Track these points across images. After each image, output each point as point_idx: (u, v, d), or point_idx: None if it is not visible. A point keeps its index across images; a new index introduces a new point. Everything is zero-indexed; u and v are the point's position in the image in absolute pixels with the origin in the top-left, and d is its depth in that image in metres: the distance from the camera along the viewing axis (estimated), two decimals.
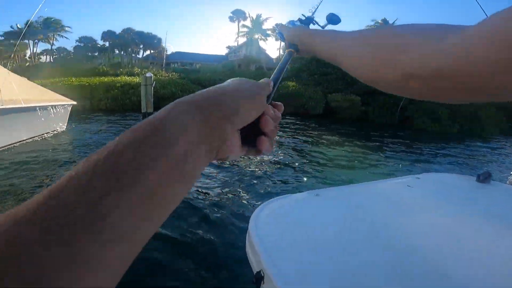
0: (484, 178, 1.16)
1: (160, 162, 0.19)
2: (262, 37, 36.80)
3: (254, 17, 36.69)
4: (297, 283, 0.60)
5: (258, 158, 6.60)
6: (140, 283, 2.18)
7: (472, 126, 19.46)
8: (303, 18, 0.61)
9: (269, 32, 35.92)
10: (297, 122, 15.28)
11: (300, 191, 1.13)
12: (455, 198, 1.08)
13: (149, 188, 0.18)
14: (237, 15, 37.40)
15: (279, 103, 0.37)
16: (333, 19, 0.58)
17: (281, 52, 34.06)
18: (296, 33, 0.52)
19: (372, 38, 0.36)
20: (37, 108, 7.16)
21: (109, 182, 0.17)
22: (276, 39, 35.27)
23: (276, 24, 0.63)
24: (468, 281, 0.58)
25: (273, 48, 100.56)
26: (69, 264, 0.14)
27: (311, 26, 0.59)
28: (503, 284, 0.58)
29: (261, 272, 0.65)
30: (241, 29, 37.74)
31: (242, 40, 38.34)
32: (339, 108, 20.12)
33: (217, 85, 0.28)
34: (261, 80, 0.36)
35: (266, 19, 36.95)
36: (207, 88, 0.27)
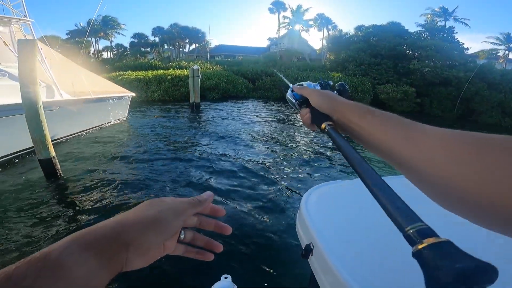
0: None
1: None
2: (304, 28, 35.61)
3: (295, 8, 35.55)
4: (343, 253, 0.64)
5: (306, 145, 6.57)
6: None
7: None
8: (323, 82, 0.59)
9: (310, 22, 34.54)
10: None
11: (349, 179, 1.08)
12: None
13: None
14: (277, 6, 36.61)
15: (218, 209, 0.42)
16: (343, 90, 0.57)
17: (324, 43, 32.67)
18: (330, 101, 0.47)
19: None
20: (104, 99, 7.92)
21: None
22: (319, 30, 33.85)
23: (293, 85, 0.60)
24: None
25: (315, 39, 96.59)
26: None
27: (317, 87, 0.59)
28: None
29: (311, 245, 0.70)
30: (282, 21, 36.94)
31: (283, 31, 37.61)
32: (390, 100, 18.71)
33: (118, 218, 0.30)
34: (184, 200, 0.36)
35: (307, 9, 35.52)
36: (104, 224, 0.29)
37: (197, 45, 42.17)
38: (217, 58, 36.94)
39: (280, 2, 36.45)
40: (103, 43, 40.29)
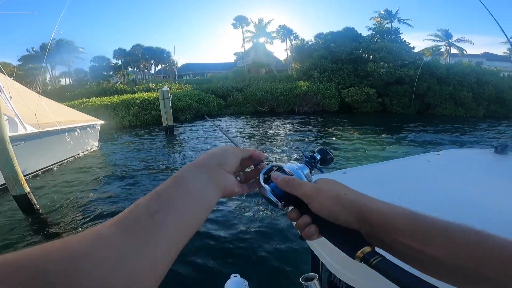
0: (502, 149, 1.20)
1: (185, 195, 0.32)
2: (268, 40, 36.97)
3: (257, 21, 36.89)
4: None
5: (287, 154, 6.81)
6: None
7: (498, 108, 18.73)
8: (308, 158, 0.46)
9: (273, 34, 35.98)
10: (313, 121, 15.21)
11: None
12: (475, 168, 1.13)
13: (180, 209, 0.30)
14: (240, 21, 37.74)
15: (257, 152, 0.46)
16: (325, 159, 0.47)
17: (289, 53, 34.09)
18: (355, 209, 0.35)
19: None
20: (71, 130, 7.53)
21: (158, 204, 0.29)
22: (282, 41, 35.33)
23: (265, 170, 0.44)
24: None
25: (280, 50, 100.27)
26: (135, 252, 0.24)
27: (306, 170, 0.44)
28: None
29: None
30: (245, 35, 38.06)
31: (248, 45, 38.72)
32: (355, 102, 19.88)
33: (212, 150, 0.40)
34: (241, 149, 0.44)
35: (269, 22, 37.01)
36: (205, 154, 0.40)
37: (163, 65, 41.78)
38: (185, 77, 36.83)
39: (243, 17, 37.62)
40: (59, 69, 38.08)
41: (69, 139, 7.43)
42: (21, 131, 5.86)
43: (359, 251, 0.31)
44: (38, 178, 5.97)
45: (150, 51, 38.90)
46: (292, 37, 33.97)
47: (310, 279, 0.75)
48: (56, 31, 8.71)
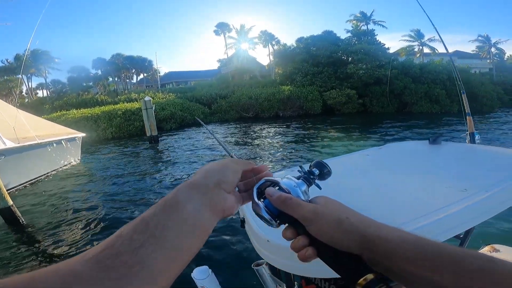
0: (433, 140, 1.39)
1: (177, 221, 0.28)
2: (250, 46, 37.44)
3: (239, 28, 37.32)
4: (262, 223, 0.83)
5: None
6: None
7: (471, 103, 19.76)
8: (306, 173, 0.43)
9: (256, 40, 36.50)
10: (297, 124, 15.54)
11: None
12: (406, 158, 1.28)
13: (171, 240, 0.27)
14: (222, 28, 38.00)
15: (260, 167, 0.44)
16: (323, 173, 0.43)
17: (271, 58, 34.66)
18: (357, 235, 0.33)
19: None
20: (52, 143, 7.36)
21: (144, 236, 0.25)
22: (264, 46, 35.87)
23: (259, 185, 0.41)
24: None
25: (263, 55, 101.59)
26: None
27: (304, 187, 0.41)
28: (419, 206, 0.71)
29: (244, 218, 0.88)
30: (228, 41, 38.37)
31: (231, 51, 39.01)
32: (337, 104, 20.43)
33: (209, 166, 0.37)
34: (242, 161, 0.42)
35: (251, 28, 37.52)
36: (201, 171, 0.36)
37: (145, 74, 41.26)
38: (168, 86, 36.53)
39: (224, 23, 37.91)
40: (36, 80, 36.71)
41: (50, 153, 7.27)
42: (1, 146, 5.70)
43: (362, 279, 0.30)
44: (20, 192, 5.85)
45: (131, 60, 38.32)
46: (274, 42, 34.57)
47: (260, 264, 0.88)
48: (32, 41, 8.54)
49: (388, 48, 27.00)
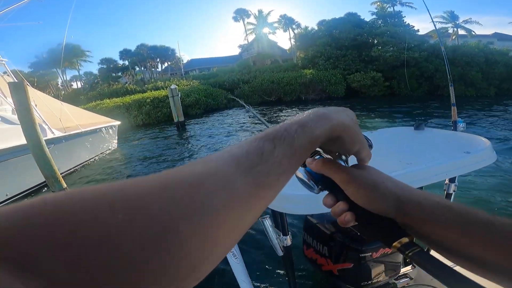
0: (417, 126, 1.50)
1: (307, 141, 0.28)
2: (270, 30, 36.74)
3: (257, 13, 36.66)
4: None
5: None
6: None
7: (511, 86, 18.28)
8: None
9: (275, 25, 35.68)
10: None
11: None
12: (389, 142, 1.40)
13: (282, 165, 0.25)
14: (240, 14, 37.57)
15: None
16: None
17: (293, 42, 33.82)
18: (392, 199, 0.34)
19: None
20: (93, 131, 8.12)
21: (286, 151, 0.26)
22: (285, 30, 34.99)
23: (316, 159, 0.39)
24: None
25: (284, 40, 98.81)
26: (259, 203, 0.22)
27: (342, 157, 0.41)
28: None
29: None
30: (247, 27, 37.93)
31: (251, 37, 38.58)
32: (362, 87, 19.85)
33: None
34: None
35: (269, 12, 36.75)
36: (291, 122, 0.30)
37: (169, 63, 42.25)
38: (192, 73, 37.20)
39: (243, 9, 37.47)
40: (70, 73, 39.02)
41: (92, 140, 8.02)
42: (50, 136, 6.43)
43: (397, 241, 0.31)
44: (68, 178, 6.55)
45: (155, 50, 39.38)
46: (294, 26, 33.66)
47: (264, 217, 1.14)
48: (66, 36, 9.21)
49: (418, 30, 25.35)
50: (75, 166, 7.21)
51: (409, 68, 19.95)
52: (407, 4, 29.86)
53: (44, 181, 4.76)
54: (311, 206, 0.89)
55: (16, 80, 6.65)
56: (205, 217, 0.17)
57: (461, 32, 32.84)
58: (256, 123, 11.93)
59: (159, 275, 0.15)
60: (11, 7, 7.79)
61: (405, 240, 0.31)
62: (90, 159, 7.95)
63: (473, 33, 31.88)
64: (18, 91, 4.25)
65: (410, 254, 0.30)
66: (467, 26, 32.32)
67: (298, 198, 0.90)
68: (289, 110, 15.18)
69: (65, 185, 4.51)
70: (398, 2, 29.25)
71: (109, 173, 6.61)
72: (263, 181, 0.22)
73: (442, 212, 0.31)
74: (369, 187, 0.34)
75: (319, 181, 0.38)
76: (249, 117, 14.24)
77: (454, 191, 1.40)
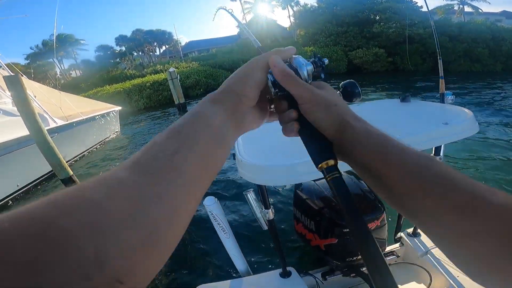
0: (403, 99, 1.55)
1: (206, 133, 0.29)
2: (268, 9, 35.38)
3: None
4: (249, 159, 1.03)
5: None
6: None
7: None
8: (318, 61, 0.42)
9: (273, 3, 34.26)
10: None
11: None
12: (375, 114, 1.45)
13: (202, 148, 0.28)
14: None
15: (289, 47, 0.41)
16: (351, 93, 0.45)
17: (292, 20, 32.65)
18: (339, 123, 0.35)
19: None
20: (94, 118, 8.18)
21: (178, 144, 0.26)
22: (283, 8, 33.69)
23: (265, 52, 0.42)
24: None
25: (283, 17, 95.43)
26: (155, 198, 0.22)
27: (310, 67, 0.40)
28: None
29: (234, 152, 1.11)
30: (244, 6, 36.57)
31: (249, 16, 37.26)
32: (365, 63, 19.47)
33: (234, 74, 0.38)
34: (264, 57, 0.38)
35: None
36: (226, 81, 0.37)
37: (167, 46, 41.40)
38: (191, 55, 36.50)
39: None
40: (67, 62, 38.64)
41: (94, 127, 8.11)
42: (52, 125, 6.51)
43: (324, 162, 0.32)
44: (75, 164, 6.73)
45: (151, 34, 38.53)
46: (293, 4, 32.37)
47: (248, 192, 1.19)
48: (57, 27, 9.06)
49: (421, 7, 24.27)
50: (81, 153, 7.35)
51: (413, 45, 19.36)
52: None
53: (51, 170, 4.90)
54: (289, 176, 0.92)
55: (11, 73, 6.65)
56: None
57: (468, 9, 31.50)
58: None
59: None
60: None
61: (331, 162, 0.32)
62: (94, 145, 8.08)
63: (480, 11, 30.64)
64: (14, 84, 4.27)
65: (329, 178, 0.31)
66: (474, 3, 30.94)
67: (276, 169, 0.93)
68: None
69: (71, 173, 4.62)
70: None
71: (114, 158, 6.74)
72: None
73: (372, 142, 0.32)
74: (321, 106, 0.35)
75: (278, 86, 0.38)
76: None
77: None
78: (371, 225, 1.36)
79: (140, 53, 39.43)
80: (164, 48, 41.70)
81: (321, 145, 0.35)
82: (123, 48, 38.51)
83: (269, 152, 1.08)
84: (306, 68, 0.39)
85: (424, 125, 1.16)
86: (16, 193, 5.09)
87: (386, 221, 1.41)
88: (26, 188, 5.29)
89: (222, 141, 0.31)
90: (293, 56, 0.41)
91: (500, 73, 16.72)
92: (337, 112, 0.35)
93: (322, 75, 0.43)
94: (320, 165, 0.33)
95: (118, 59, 38.11)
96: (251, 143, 1.18)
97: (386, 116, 1.42)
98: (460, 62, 18.28)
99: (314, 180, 1.59)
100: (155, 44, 40.29)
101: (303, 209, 1.54)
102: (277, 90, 0.38)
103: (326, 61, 0.43)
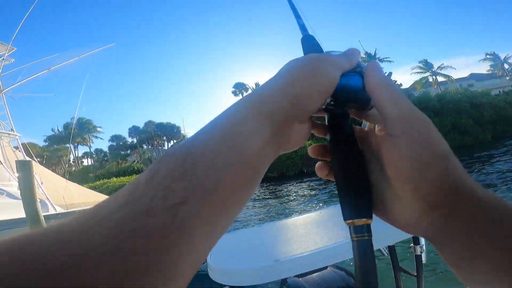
0: None
1: (236, 167, 0.19)
2: None
3: (254, 86, 40.15)
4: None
5: None
6: None
7: (505, 127, 18.49)
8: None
9: None
10: (320, 181, 15.87)
11: None
12: (333, 223, 1.41)
13: (224, 192, 0.18)
14: (239, 87, 41.04)
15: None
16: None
17: None
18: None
19: None
20: None
21: (187, 189, 0.16)
22: None
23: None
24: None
25: None
26: (143, 275, 0.14)
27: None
28: None
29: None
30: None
31: None
32: None
33: (293, 75, 0.24)
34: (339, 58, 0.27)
35: None
36: (279, 83, 0.24)
37: (174, 141, 44.56)
38: None
39: (241, 83, 41.30)
40: (82, 149, 40.91)
41: None
42: (51, 211, 6.49)
43: (357, 219, 0.24)
44: None
45: (161, 127, 41.91)
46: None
47: None
48: (79, 109, 10.10)
49: (401, 84, 26.79)
50: None
51: None
52: (385, 59, 32.38)
53: None
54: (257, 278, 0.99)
55: (25, 157, 7.09)
56: None
57: (441, 78, 34.53)
58: (264, 205, 11.90)
59: None
60: (30, 78, 8.81)
61: (367, 221, 0.25)
62: None
63: (452, 78, 33.42)
64: (24, 170, 4.53)
65: (356, 238, 0.24)
66: (443, 72, 34.15)
67: (245, 272, 1.00)
68: (293, 183, 15.58)
69: None
70: (377, 59, 31.82)
71: None
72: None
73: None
74: (421, 150, 0.22)
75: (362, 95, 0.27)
76: (258, 194, 14.42)
77: (421, 252, 1.30)
78: None
79: (150, 146, 42.11)
80: (172, 142, 44.86)
81: (364, 196, 0.26)
82: (135, 140, 41.23)
83: (243, 253, 1.21)
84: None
85: None
86: None
87: None
88: None
89: (256, 173, 0.21)
90: (362, 65, 0.29)
91: (491, 142, 16.93)
92: (451, 165, 0.22)
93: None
94: (351, 221, 0.25)
95: (128, 151, 40.41)
96: (227, 247, 1.29)
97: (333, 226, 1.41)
98: (451, 136, 18.56)
99: (297, 276, 1.54)
100: (164, 138, 43.42)
101: None
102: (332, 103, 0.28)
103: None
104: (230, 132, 0.20)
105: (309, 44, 0.30)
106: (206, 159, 0.18)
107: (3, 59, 8.19)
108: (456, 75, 36.85)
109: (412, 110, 0.24)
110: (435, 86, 33.73)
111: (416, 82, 34.78)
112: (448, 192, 0.21)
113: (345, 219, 0.25)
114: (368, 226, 0.24)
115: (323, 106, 0.27)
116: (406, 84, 31.71)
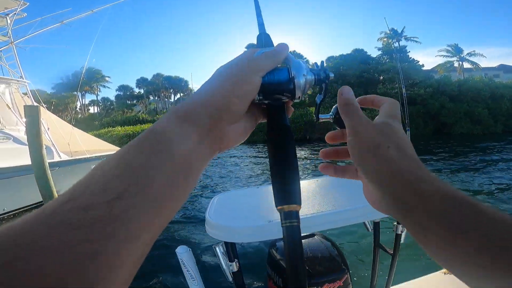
0: None
1: (166, 166, 0.21)
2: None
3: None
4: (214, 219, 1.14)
5: None
6: None
7: None
8: (321, 73, 0.33)
9: None
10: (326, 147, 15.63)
11: None
12: (334, 186, 1.46)
13: (158, 189, 0.20)
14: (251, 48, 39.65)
15: None
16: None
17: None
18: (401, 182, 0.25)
19: None
20: (99, 158, 8.34)
21: (123, 185, 0.18)
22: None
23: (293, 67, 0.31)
24: None
25: None
26: (89, 262, 0.15)
27: (310, 77, 0.32)
28: None
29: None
30: None
31: None
32: None
33: (214, 81, 0.27)
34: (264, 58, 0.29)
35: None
36: (194, 94, 0.27)
37: (181, 94, 44.15)
38: None
39: (253, 44, 39.39)
40: (89, 97, 41.07)
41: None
42: (56, 158, 6.71)
43: (286, 205, 0.27)
44: None
45: (169, 80, 41.37)
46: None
47: (217, 244, 1.22)
48: (89, 60, 9.99)
49: (423, 65, 25.98)
50: None
51: (415, 106, 20.18)
52: (412, 39, 31.04)
53: (41, 201, 4.92)
54: (250, 236, 1.03)
55: (34, 103, 7.15)
56: None
57: (467, 65, 33.10)
58: (262, 163, 12.07)
59: None
60: (41, 31, 8.60)
61: (296, 207, 0.27)
62: None
63: (479, 66, 32.10)
64: (31, 115, 4.58)
65: (286, 224, 0.26)
66: (471, 59, 32.68)
67: (241, 230, 1.03)
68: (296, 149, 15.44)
69: None
70: (404, 37, 30.51)
71: None
72: None
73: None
74: (365, 145, 0.29)
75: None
76: (257, 154, 14.48)
77: (401, 232, 1.33)
78: (333, 285, 1.33)
79: (156, 97, 41.90)
80: (179, 95, 44.45)
81: (293, 184, 0.28)
82: (142, 91, 41.04)
83: (238, 212, 1.21)
84: (305, 78, 0.32)
85: None
86: (1, 216, 5.27)
87: (350, 281, 1.37)
88: (11, 213, 5.48)
89: (188, 172, 0.23)
90: (290, 58, 0.32)
91: (500, 134, 16.80)
92: (385, 157, 0.26)
93: (319, 99, 0.37)
94: (281, 207, 0.27)
95: (135, 101, 40.42)
96: (225, 205, 1.31)
97: (343, 190, 1.42)
98: (461, 124, 18.59)
99: None
100: (171, 90, 43.00)
101: (274, 268, 1.51)
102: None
103: (332, 75, 0.35)
104: (157, 136, 0.23)
105: (261, 42, 0.35)
106: (139, 157, 0.20)
107: (15, 13, 7.91)
108: (484, 64, 35.10)
109: (359, 121, 0.30)
110: (460, 72, 32.25)
111: (439, 65, 33.19)
112: (389, 176, 0.25)
113: (276, 206, 0.27)
114: (297, 212, 0.26)
115: (256, 101, 0.30)
116: (430, 66, 29.99)
